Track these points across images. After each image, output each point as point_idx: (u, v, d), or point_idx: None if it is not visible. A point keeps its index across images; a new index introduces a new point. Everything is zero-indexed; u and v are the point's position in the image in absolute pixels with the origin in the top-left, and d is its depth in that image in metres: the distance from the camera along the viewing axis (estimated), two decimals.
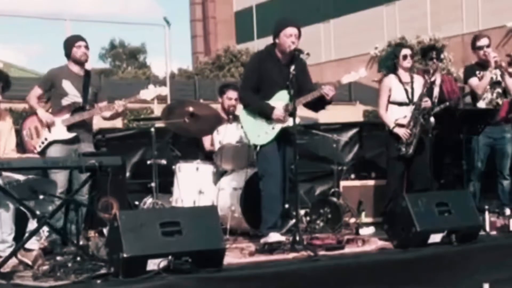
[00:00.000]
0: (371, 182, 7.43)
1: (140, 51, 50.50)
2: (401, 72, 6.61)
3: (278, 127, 5.70)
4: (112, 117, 6.32)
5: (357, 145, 8.95)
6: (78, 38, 6.19)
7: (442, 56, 9.59)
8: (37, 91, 6.14)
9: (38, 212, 4.80)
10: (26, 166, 4.83)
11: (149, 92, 6.20)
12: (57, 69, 6.24)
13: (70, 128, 6.03)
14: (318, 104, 5.82)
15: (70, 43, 6.16)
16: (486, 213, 6.02)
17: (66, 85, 6.06)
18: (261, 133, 5.74)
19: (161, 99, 19.66)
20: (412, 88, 6.55)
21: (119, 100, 6.08)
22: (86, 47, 6.15)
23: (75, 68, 6.14)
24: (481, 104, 7.00)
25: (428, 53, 7.08)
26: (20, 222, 5.00)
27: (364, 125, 9.95)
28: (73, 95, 6.08)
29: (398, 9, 27.22)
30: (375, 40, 26.04)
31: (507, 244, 5.68)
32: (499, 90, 7.02)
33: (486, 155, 6.99)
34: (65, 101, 6.06)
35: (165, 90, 6.27)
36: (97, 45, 49.43)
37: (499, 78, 6.99)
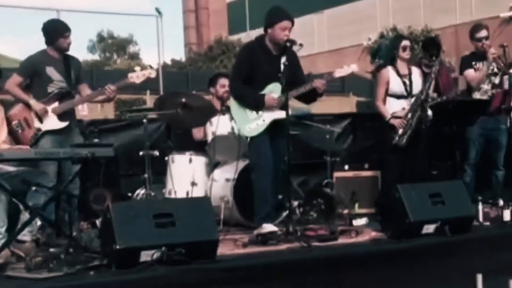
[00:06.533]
0: (364, 173, 7.43)
1: (129, 42, 50.22)
2: (399, 63, 6.57)
3: (268, 119, 5.69)
4: (103, 101, 6.30)
5: (350, 136, 8.95)
6: (67, 28, 6.00)
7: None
8: (17, 79, 5.95)
9: (30, 204, 4.79)
10: (17, 157, 4.80)
11: (137, 75, 6.05)
12: (37, 55, 6.07)
13: (61, 116, 5.95)
14: (309, 96, 5.81)
15: (57, 33, 5.97)
16: (480, 203, 6.02)
17: (50, 71, 5.94)
18: (251, 124, 5.74)
19: (153, 89, 19.68)
20: (410, 81, 6.52)
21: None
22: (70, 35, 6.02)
23: (55, 53, 6.02)
24: (476, 95, 7.00)
25: (430, 48, 6.97)
26: (12, 213, 4.98)
27: (357, 116, 9.96)
28: (58, 81, 5.97)
29: None
30: (368, 31, 26.01)
31: (501, 234, 5.69)
32: (495, 81, 7.02)
33: (481, 146, 6.99)
34: (50, 88, 5.94)
35: (153, 73, 6.16)
36: (86, 37, 49.13)
37: (495, 70, 6.98)
